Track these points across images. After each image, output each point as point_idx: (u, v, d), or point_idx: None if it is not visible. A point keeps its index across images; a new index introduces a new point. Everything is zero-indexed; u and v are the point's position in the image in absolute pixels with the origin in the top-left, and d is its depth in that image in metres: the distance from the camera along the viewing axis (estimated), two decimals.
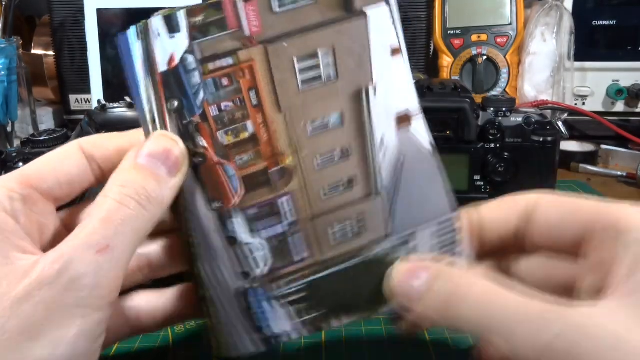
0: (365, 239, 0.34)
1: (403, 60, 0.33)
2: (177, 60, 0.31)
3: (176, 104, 0.32)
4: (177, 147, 0.32)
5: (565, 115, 0.96)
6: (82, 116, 0.61)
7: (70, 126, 0.97)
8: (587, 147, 1.00)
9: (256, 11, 0.31)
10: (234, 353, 0.34)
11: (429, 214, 0.34)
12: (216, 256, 0.33)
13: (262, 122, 0.32)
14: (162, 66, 0.31)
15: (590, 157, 0.98)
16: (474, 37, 0.99)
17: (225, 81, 0.31)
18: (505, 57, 0.98)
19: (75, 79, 0.99)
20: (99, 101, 0.60)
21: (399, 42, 0.33)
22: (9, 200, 0.31)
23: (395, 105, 0.33)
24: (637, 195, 0.90)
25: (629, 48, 1.03)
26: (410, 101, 0.33)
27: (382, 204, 0.33)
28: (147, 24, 0.32)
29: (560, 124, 0.93)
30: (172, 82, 0.31)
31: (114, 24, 0.90)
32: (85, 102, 0.99)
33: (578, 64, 1.01)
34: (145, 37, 0.32)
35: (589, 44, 1.02)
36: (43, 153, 0.58)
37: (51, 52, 1.02)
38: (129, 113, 0.58)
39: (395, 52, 0.33)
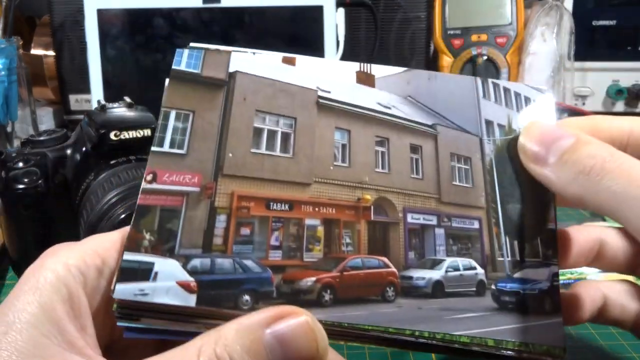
0: None
1: None
2: None
3: None
4: (316, 353, 0.27)
5: (565, 115, 0.96)
6: (82, 116, 0.61)
7: (70, 126, 0.97)
8: None
9: None
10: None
11: None
12: None
13: None
14: None
15: None
16: (474, 37, 0.99)
17: None
18: (505, 57, 0.98)
19: (75, 79, 0.99)
20: (98, 101, 0.60)
21: None
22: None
23: None
24: None
25: (629, 48, 1.03)
26: None
27: None
28: None
29: None
30: None
31: (114, 24, 0.90)
32: (85, 102, 0.99)
33: (578, 64, 1.01)
34: None
35: (589, 44, 1.02)
36: (43, 153, 0.59)
37: (51, 52, 1.02)
38: (128, 113, 0.58)
39: None
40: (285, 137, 0.35)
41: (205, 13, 0.90)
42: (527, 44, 0.99)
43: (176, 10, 0.89)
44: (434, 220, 0.35)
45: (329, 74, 0.37)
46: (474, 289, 0.34)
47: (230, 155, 0.34)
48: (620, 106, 1.04)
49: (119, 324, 0.29)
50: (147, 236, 0.31)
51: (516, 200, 0.35)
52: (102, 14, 0.90)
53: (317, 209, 0.34)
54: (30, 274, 0.29)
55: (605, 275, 0.62)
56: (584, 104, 1.04)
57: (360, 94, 0.37)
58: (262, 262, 0.32)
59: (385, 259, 0.33)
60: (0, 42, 0.86)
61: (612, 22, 1.02)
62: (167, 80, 0.35)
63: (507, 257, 0.34)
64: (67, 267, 0.29)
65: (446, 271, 0.34)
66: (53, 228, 0.58)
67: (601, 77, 1.03)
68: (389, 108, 0.37)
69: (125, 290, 0.29)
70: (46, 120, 1.03)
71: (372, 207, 0.34)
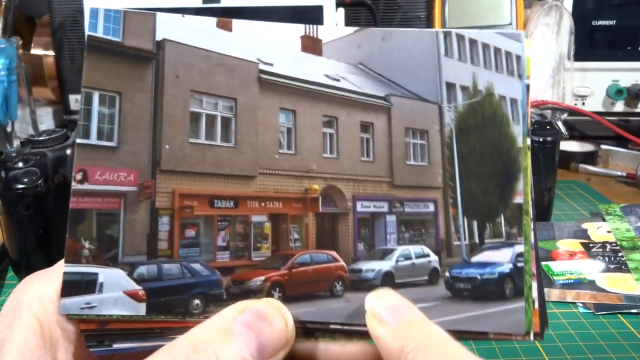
0: None
1: None
2: None
3: None
4: (286, 328, 0.27)
5: (565, 115, 0.96)
6: None
7: (70, 126, 0.97)
8: (587, 147, 1.00)
9: None
10: None
11: None
12: None
13: None
14: None
15: (590, 157, 0.98)
16: None
17: None
18: None
19: (75, 79, 0.99)
20: None
21: None
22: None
23: None
24: (637, 196, 0.91)
25: (629, 48, 1.03)
26: None
27: None
28: None
29: (560, 124, 0.93)
30: None
31: None
32: None
33: (578, 64, 1.01)
34: None
35: (589, 44, 1.02)
36: (43, 153, 0.59)
37: (51, 52, 1.02)
38: None
39: None
40: (226, 122, 0.32)
41: (205, 13, 0.90)
42: None
43: (176, 10, 0.89)
44: (385, 207, 0.33)
45: (270, 40, 0.33)
46: (427, 277, 0.32)
47: (167, 147, 0.31)
48: (620, 106, 1.04)
49: (90, 350, 0.28)
50: (87, 245, 0.29)
51: (478, 175, 0.32)
52: None
53: (263, 204, 0.32)
54: (5, 313, 0.29)
55: (606, 275, 0.62)
56: (583, 103, 1.04)
57: (306, 65, 0.33)
58: (210, 264, 0.30)
59: (333, 253, 0.32)
60: (0, 42, 0.86)
61: (612, 22, 1.02)
62: (85, 52, 0.30)
63: (465, 240, 0.32)
64: (40, 300, 0.28)
65: (397, 261, 0.32)
66: (53, 228, 0.58)
67: (601, 77, 1.03)
68: (338, 80, 0.34)
69: (70, 304, 0.28)
70: (46, 120, 1.03)
71: (320, 198, 0.33)
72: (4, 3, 0.91)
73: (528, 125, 0.31)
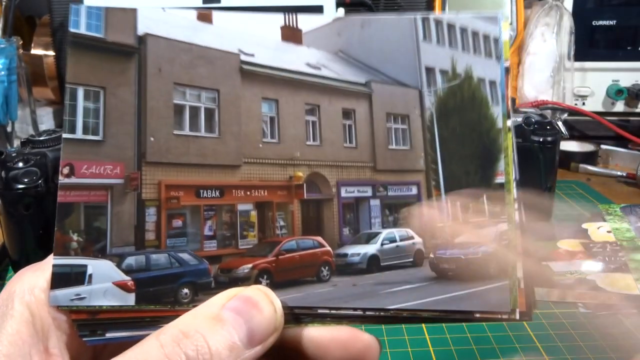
0: None
1: None
2: None
3: None
4: (275, 314, 0.27)
5: (565, 115, 0.96)
6: None
7: None
8: (587, 147, 1.00)
9: None
10: None
11: None
12: None
13: None
14: None
15: (590, 157, 0.98)
16: None
17: None
18: None
19: None
20: None
21: None
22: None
23: None
24: (637, 196, 0.91)
25: (629, 48, 1.03)
26: None
27: None
28: None
29: (560, 124, 0.93)
30: None
31: None
32: None
33: (578, 64, 1.01)
34: None
35: (588, 44, 1.02)
36: (43, 153, 0.59)
37: (51, 52, 1.02)
38: None
39: None
40: (210, 113, 0.32)
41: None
42: (527, 44, 0.99)
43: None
44: (369, 192, 0.33)
45: (251, 31, 0.33)
46: (412, 259, 0.32)
47: (152, 139, 0.31)
48: (620, 106, 1.04)
49: (84, 340, 0.28)
50: (75, 237, 0.29)
51: (459, 157, 0.32)
52: None
53: (248, 192, 0.32)
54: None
55: (606, 275, 0.62)
56: (584, 103, 1.04)
57: (287, 55, 0.33)
58: (198, 253, 0.31)
59: (319, 239, 0.32)
60: (0, 42, 0.86)
61: (612, 22, 1.02)
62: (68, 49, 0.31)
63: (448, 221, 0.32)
64: (31, 291, 0.29)
65: (382, 244, 0.33)
66: (53, 228, 0.57)
67: (601, 77, 1.03)
68: (319, 69, 0.34)
69: (60, 296, 0.28)
70: (46, 120, 1.03)
71: (304, 185, 0.33)
72: (4, 3, 0.91)
73: (508, 106, 0.31)
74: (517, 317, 0.30)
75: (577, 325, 0.55)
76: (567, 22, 0.98)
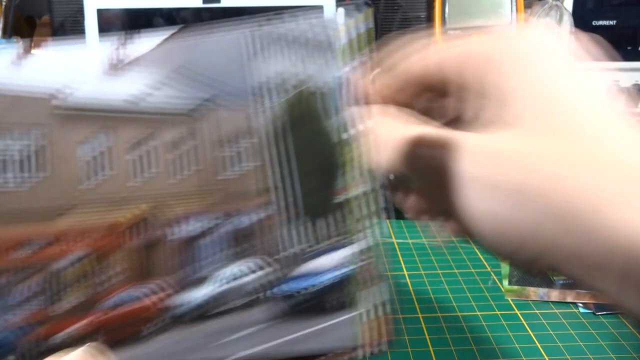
0: None
1: None
2: None
3: None
4: None
5: None
6: None
7: None
8: None
9: None
10: None
11: None
12: None
13: None
14: None
15: None
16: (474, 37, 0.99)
17: None
18: None
19: None
20: None
21: None
22: None
23: None
24: None
25: (629, 48, 1.03)
26: None
27: None
28: None
29: None
30: None
31: (114, 24, 0.90)
32: None
33: None
34: None
35: None
36: None
37: None
38: None
39: None
40: (21, 165, 0.30)
41: (206, 13, 0.90)
42: None
43: (176, 10, 0.89)
44: (207, 224, 0.30)
45: (71, 66, 0.31)
46: (252, 297, 0.30)
47: None
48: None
49: None
50: None
51: (301, 175, 0.30)
52: (102, 14, 0.90)
53: (67, 245, 0.29)
54: None
55: None
56: None
57: (109, 88, 0.31)
58: (8, 323, 0.28)
59: (152, 286, 0.29)
60: (0, 42, 0.86)
61: (612, 22, 1.02)
62: None
63: (294, 249, 0.30)
64: None
65: (220, 284, 0.30)
66: None
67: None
68: (144, 99, 0.31)
69: None
70: None
71: (134, 227, 0.30)
72: (4, 3, 0.91)
73: (348, 116, 0.30)
74: (366, 353, 0.28)
75: (577, 325, 0.55)
76: (567, 22, 0.98)
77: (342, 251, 0.29)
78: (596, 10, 1.02)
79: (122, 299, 0.29)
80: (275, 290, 0.29)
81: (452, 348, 0.51)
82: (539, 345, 0.52)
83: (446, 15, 1.00)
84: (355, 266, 0.29)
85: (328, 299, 0.29)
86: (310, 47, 0.31)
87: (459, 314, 0.56)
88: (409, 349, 0.51)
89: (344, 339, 0.27)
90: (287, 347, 0.28)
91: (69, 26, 0.98)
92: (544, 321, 0.55)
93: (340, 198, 0.29)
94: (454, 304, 0.58)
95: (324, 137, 0.30)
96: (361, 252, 0.29)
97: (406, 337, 0.52)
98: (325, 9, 0.90)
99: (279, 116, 0.31)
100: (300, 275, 0.30)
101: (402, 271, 0.64)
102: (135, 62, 0.31)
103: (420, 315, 0.55)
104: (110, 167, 0.30)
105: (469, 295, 0.60)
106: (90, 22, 0.90)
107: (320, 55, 0.31)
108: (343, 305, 0.28)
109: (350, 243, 0.29)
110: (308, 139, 0.30)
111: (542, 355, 0.51)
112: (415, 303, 0.58)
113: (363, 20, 0.31)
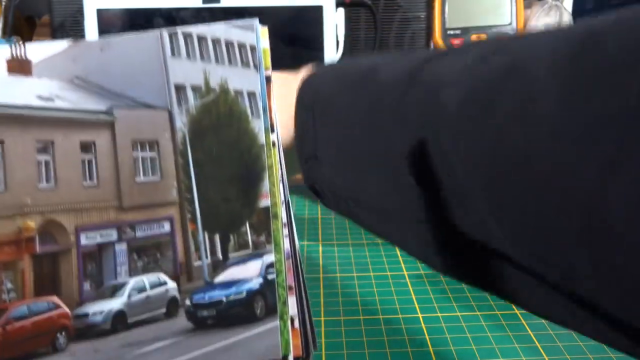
0: None
1: None
2: None
3: None
4: None
5: None
6: None
7: None
8: None
9: None
10: None
11: None
12: None
13: None
14: None
15: None
16: (474, 37, 0.99)
17: None
18: None
19: None
20: None
21: None
22: None
23: None
24: None
25: None
26: None
27: None
28: None
29: None
30: None
31: (114, 24, 0.90)
32: None
33: None
34: None
35: None
36: None
37: None
38: None
39: None
40: None
41: (205, 13, 0.90)
42: None
43: (176, 10, 0.89)
44: (113, 236, 0.29)
45: None
46: (164, 310, 0.29)
47: None
48: None
49: None
50: None
51: (217, 181, 0.29)
52: (102, 14, 0.90)
53: None
54: None
55: None
56: None
57: (14, 89, 0.29)
58: None
59: (55, 299, 0.28)
60: (0, 42, 0.86)
61: None
62: None
63: (207, 258, 0.29)
64: None
65: (129, 296, 0.29)
66: None
67: None
68: (52, 100, 0.30)
69: None
70: None
71: (37, 236, 0.28)
72: (4, 3, 0.91)
73: (271, 119, 0.29)
74: None
75: None
76: (567, 22, 0.98)
77: (262, 259, 0.28)
78: (596, 10, 1.02)
79: (29, 310, 0.28)
80: (197, 297, 0.29)
81: (452, 348, 0.51)
82: (538, 346, 0.52)
83: (446, 15, 1.00)
84: (272, 276, 0.28)
85: (255, 305, 0.28)
86: (235, 48, 0.31)
87: (458, 314, 0.56)
88: (409, 349, 0.51)
89: (271, 349, 0.26)
90: (211, 358, 0.27)
91: (69, 26, 0.98)
92: (544, 321, 0.55)
93: (265, 202, 0.29)
94: (454, 304, 0.58)
95: (250, 138, 0.29)
96: (275, 262, 0.28)
97: (406, 337, 0.53)
98: (325, 8, 0.91)
99: (199, 117, 0.30)
100: (225, 282, 0.29)
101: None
102: (38, 66, 0.30)
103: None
104: (17, 169, 0.29)
105: (469, 295, 0.60)
106: (90, 22, 0.90)
107: (245, 55, 0.30)
108: (272, 311, 0.27)
109: (268, 252, 0.28)
110: (231, 142, 0.29)
111: (542, 355, 0.51)
112: (416, 303, 0.59)
113: (265, 36, 0.31)
